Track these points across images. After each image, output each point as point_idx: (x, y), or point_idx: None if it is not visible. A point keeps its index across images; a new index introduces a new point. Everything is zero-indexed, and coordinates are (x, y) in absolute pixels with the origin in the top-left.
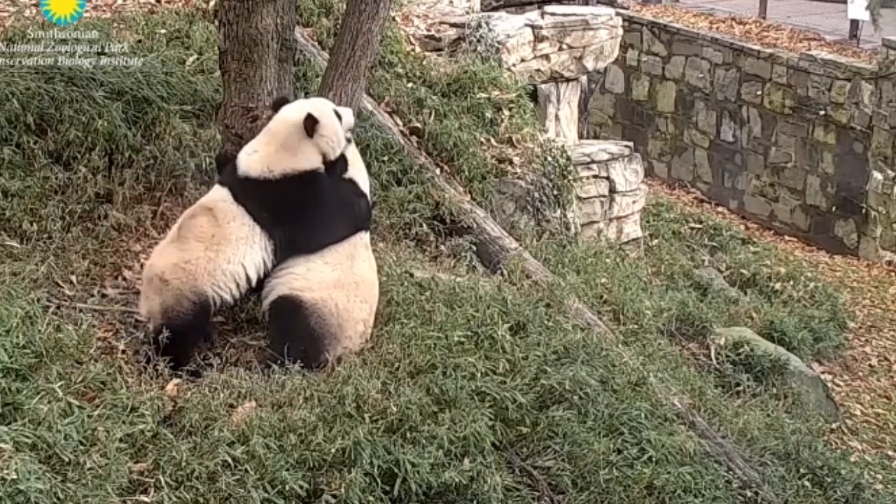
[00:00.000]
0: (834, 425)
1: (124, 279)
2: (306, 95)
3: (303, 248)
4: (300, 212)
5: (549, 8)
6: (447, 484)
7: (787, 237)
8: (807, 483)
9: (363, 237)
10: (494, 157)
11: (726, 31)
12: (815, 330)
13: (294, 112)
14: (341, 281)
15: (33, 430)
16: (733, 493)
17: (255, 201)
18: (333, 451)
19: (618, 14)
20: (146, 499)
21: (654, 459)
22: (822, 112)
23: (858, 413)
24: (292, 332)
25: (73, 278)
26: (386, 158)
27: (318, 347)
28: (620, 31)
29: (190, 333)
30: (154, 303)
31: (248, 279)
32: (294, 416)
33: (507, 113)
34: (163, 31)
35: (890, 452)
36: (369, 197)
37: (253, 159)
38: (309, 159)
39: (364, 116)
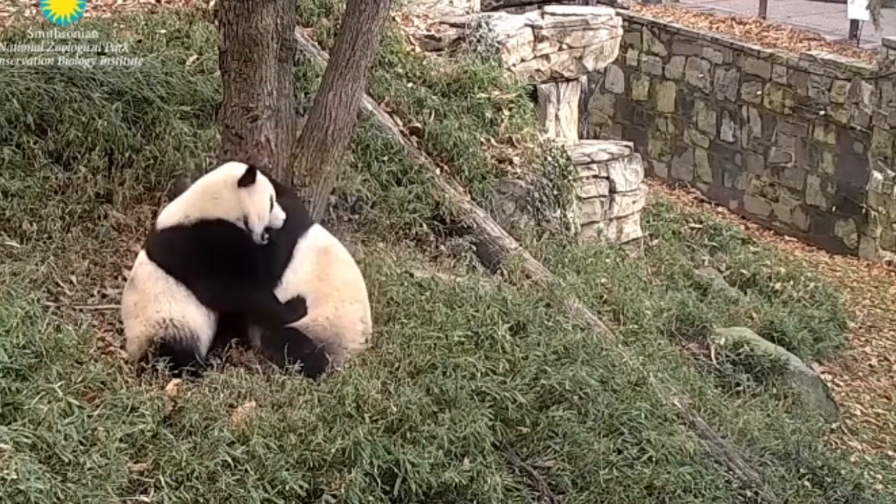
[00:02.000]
0: (834, 425)
1: (124, 279)
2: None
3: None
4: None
5: (549, 8)
6: (447, 484)
7: (787, 237)
8: (807, 483)
9: (315, 241)
10: (494, 157)
11: (726, 31)
12: (815, 330)
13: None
14: (318, 298)
15: (33, 430)
16: (733, 493)
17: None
18: (333, 451)
19: (618, 14)
20: (146, 499)
21: (654, 459)
22: (822, 112)
23: (858, 413)
24: (293, 354)
25: (73, 278)
26: (386, 158)
27: (323, 360)
28: (620, 31)
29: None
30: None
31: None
32: (294, 416)
33: (507, 113)
34: (163, 31)
35: (890, 452)
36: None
37: None
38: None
39: (364, 116)
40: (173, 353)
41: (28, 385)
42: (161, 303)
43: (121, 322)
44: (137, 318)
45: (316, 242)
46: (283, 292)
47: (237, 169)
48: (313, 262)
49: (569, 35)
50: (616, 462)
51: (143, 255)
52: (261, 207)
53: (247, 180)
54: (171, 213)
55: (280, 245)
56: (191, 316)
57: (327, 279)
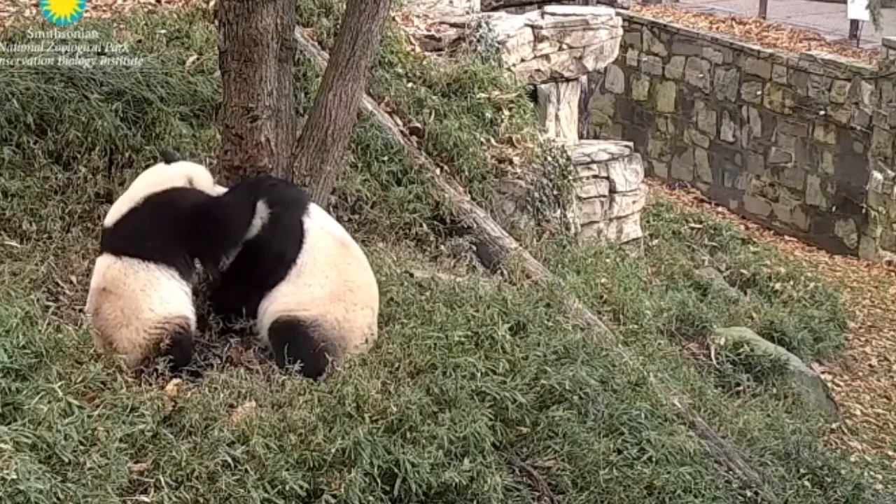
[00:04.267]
0: (834, 425)
1: None
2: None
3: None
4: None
5: (549, 8)
6: (447, 484)
7: (787, 237)
8: (807, 483)
9: (325, 224)
10: (494, 157)
11: (726, 31)
12: (815, 330)
13: None
14: (335, 293)
15: (33, 430)
16: (733, 493)
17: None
18: (333, 451)
19: (618, 14)
20: (146, 499)
21: (654, 459)
22: (822, 112)
23: (858, 413)
24: (296, 350)
25: (73, 278)
26: (386, 158)
27: (323, 361)
28: (620, 31)
29: (181, 353)
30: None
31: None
32: (294, 416)
33: (507, 113)
34: (163, 31)
35: (890, 452)
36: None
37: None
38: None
39: (364, 116)
40: (178, 349)
41: (28, 385)
42: (151, 298)
43: None
44: (130, 325)
45: (328, 227)
46: (300, 276)
47: (158, 165)
48: (331, 251)
49: (569, 35)
50: (616, 462)
51: (107, 258)
52: (203, 174)
53: (169, 158)
54: (118, 209)
55: (283, 221)
56: (180, 302)
57: (345, 276)
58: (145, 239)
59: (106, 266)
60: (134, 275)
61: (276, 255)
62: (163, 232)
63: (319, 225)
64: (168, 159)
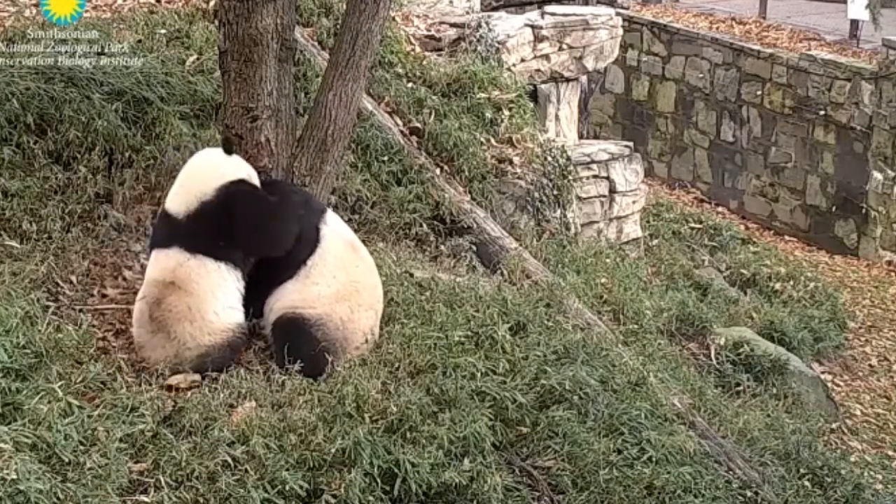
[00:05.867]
0: (834, 425)
1: (124, 279)
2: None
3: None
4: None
5: (549, 8)
6: (447, 484)
7: (787, 237)
8: (807, 483)
9: (338, 228)
10: (494, 157)
11: (726, 31)
12: (815, 330)
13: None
14: (341, 293)
15: (33, 430)
16: (733, 493)
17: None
18: (333, 451)
19: (618, 14)
20: (146, 499)
21: (654, 459)
22: (822, 112)
23: (858, 413)
24: (298, 348)
25: (73, 278)
26: (386, 158)
27: (323, 362)
28: (620, 31)
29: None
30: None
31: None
32: (294, 416)
33: (507, 113)
34: (163, 31)
35: (890, 452)
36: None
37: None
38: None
39: (364, 116)
40: (231, 354)
41: (28, 385)
42: (220, 302)
43: (121, 322)
44: (194, 322)
45: (340, 231)
46: (308, 276)
47: (214, 150)
48: (341, 253)
49: (569, 35)
50: (616, 462)
51: (177, 254)
52: (251, 170)
53: (229, 148)
54: (187, 200)
55: (301, 226)
56: (239, 308)
57: (353, 277)
58: (221, 238)
59: (176, 263)
60: (207, 275)
61: (288, 257)
62: (237, 231)
63: (330, 227)
64: (227, 149)
